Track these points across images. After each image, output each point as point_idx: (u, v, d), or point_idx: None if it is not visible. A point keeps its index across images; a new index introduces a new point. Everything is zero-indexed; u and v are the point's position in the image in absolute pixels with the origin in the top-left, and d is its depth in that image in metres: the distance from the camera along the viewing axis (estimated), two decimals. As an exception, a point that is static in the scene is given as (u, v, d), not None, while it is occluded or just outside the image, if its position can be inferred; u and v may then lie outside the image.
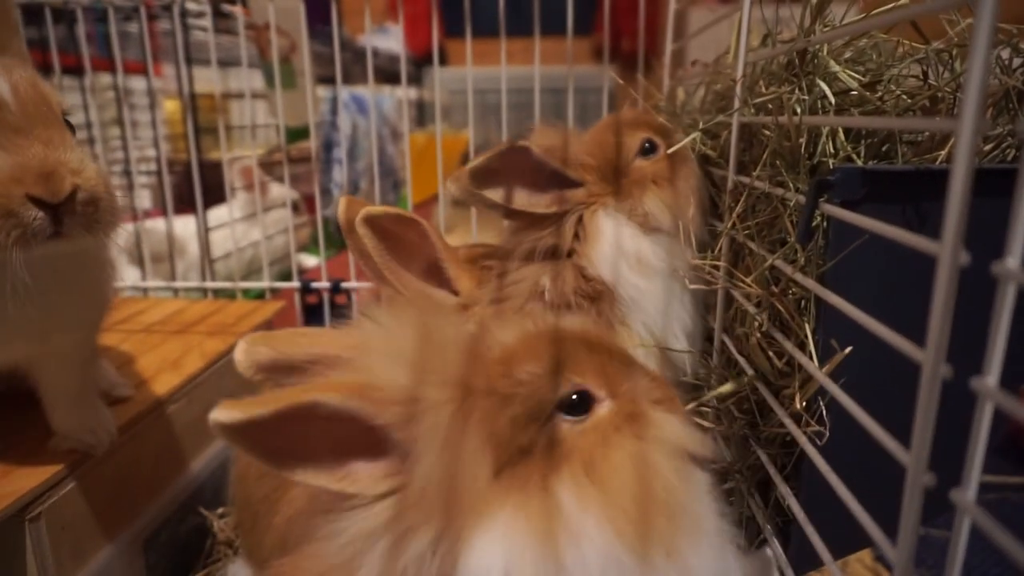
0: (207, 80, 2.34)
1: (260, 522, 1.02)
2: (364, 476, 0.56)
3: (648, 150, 1.14)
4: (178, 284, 1.92)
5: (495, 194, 1.03)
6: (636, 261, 1.06)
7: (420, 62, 5.20)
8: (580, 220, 1.09)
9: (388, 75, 3.59)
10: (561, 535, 0.54)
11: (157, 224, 2.26)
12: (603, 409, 0.62)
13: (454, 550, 0.53)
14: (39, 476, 0.94)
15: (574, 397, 0.61)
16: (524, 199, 1.05)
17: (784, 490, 0.77)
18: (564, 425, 0.60)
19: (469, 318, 1.07)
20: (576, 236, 1.09)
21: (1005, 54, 0.82)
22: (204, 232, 2.01)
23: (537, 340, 0.63)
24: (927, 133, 0.82)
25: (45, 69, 1.90)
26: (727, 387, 0.93)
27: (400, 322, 0.61)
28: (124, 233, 0.84)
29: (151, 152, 2.64)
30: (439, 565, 0.53)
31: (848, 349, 0.69)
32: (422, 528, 0.54)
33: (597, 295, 1.06)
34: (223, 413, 0.50)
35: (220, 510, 1.33)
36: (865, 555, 1.34)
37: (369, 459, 0.56)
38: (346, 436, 0.54)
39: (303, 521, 0.81)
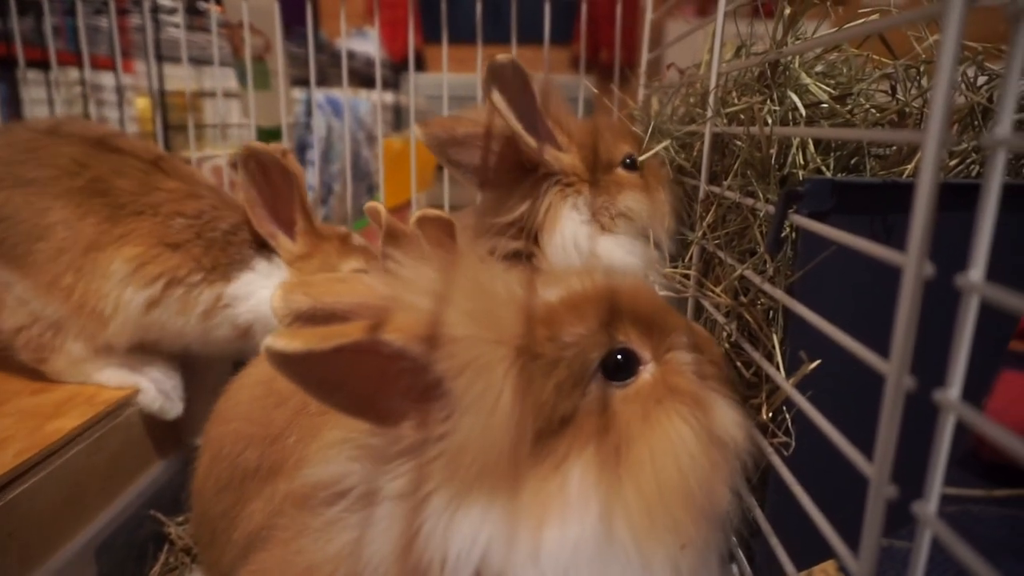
0: (179, 78, 2.30)
1: (219, 538, 0.99)
2: (413, 417, 0.54)
3: (630, 165, 1.14)
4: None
5: (501, 102, 0.97)
6: (594, 259, 1.06)
7: (397, 67, 5.18)
8: (549, 199, 1.07)
9: (364, 79, 3.57)
10: (553, 520, 0.51)
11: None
12: (647, 373, 0.59)
13: (456, 516, 0.51)
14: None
15: (618, 357, 0.58)
16: (519, 128, 1.01)
17: (749, 501, 0.77)
18: (606, 391, 0.57)
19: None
20: (545, 216, 1.07)
21: (971, 71, 0.84)
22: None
23: (582, 299, 0.59)
24: (895, 147, 0.83)
25: (9, 62, 1.86)
26: None
27: (452, 270, 0.58)
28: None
29: (119, 149, 2.58)
30: (443, 529, 0.51)
31: (816, 362, 0.69)
32: (443, 488, 0.52)
33: None
34: (281, 341, 0.47)
35: (179, 517, 1.29)
36: (829, 565, 1.35)
37: (422, 401, 0.53)
38: (396, 376, 0.52)
39: (265, 539, 0.78)
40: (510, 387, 0.52)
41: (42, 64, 2.01)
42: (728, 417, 0.60)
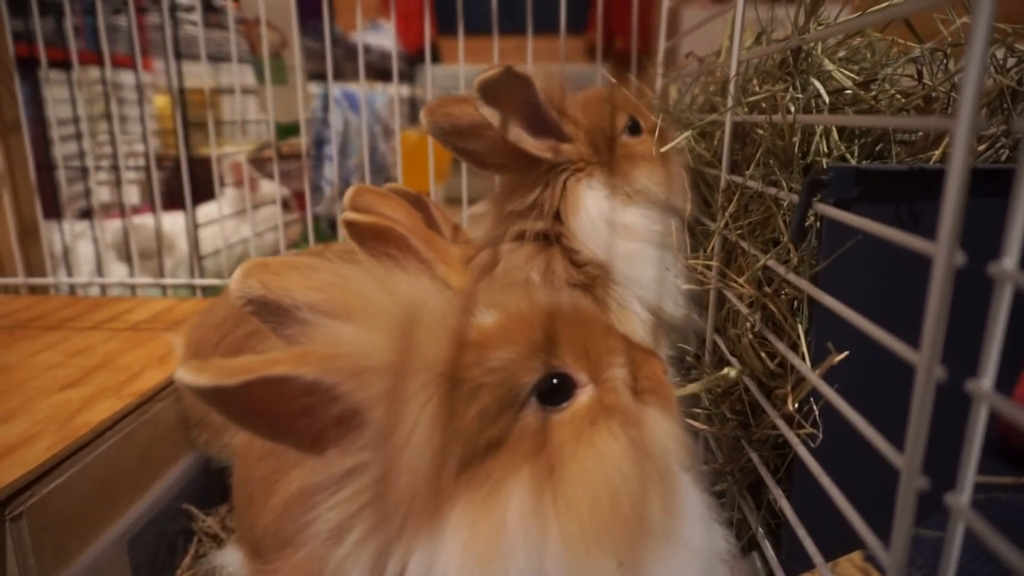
0: (197, 75, 2.32)
1: (255, 502, 1.01)
2: (335, 445, 0.53)
3: (633, 129, 1.13)
4: (167, 281, 1.90)
5: (495, 117, 0.97)
6: (623, 229, 1.05)
7: (412, 59, 5.18)
8: (565, 186, 1.07)
9: (380, 72, 3.57)
10: (498, 545, 0.51)
11: (145, 220, 2.24)
12: (584, 396, 0.58)
13: (405, 552, 0.51)
14: (17, 470, 0.92)
15: (554, 382, 0.57)
16: (519, 135, 1.01)
17: (776, 492, 0.77)
18: (540, 415, 0.56)
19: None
20: (557, 215, 1.07)
21: (1000, 53, 0.82)
22: (193, 229, 1.99)
23: (515, 321, 0.58)
24: (921, 133, 0.82)
25: (32, 62, 1.88)
26: (726, 372, 0.91)
27: (394, 288, 0.57)
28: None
29: (140, 147, 2.61)
30: (395, 564, 0.51)
31: (844, 354, 0.68)
32: (378, 526, 0.51)
33: (591, 282, 1.05)
34: (190, 375, 0.47)
35: (208, 509, 1.31)
36: (855, 556, 1.34)
37: (342, 430, 0.52)
38: (314, 406, 0.51)
39: (302, 505, 0.79)
40: (426, 416, 0.51)
41: (63, 64, 2.03)
42: (660, 429, 0.59)
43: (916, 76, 0.84)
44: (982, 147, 0.82)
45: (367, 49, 1.76)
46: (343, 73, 3.35)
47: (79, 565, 1.00)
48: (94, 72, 2.31)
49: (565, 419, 0.57)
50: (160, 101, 2.95)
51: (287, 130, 1.89)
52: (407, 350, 0.52)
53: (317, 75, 2.59)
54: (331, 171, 2.79)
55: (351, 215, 0.99)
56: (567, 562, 0.51)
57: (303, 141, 1.82)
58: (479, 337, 0.56)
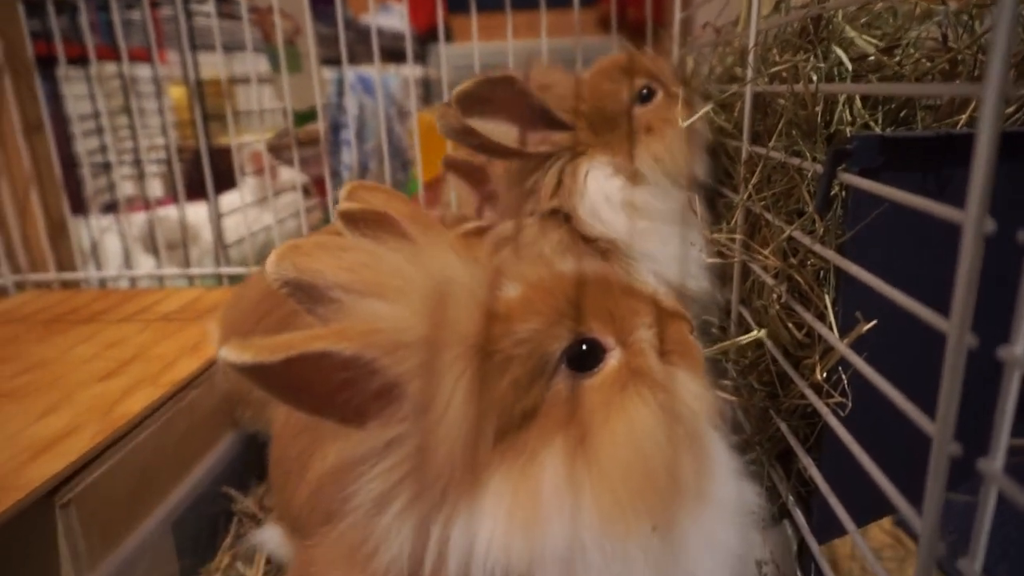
0: (212, 65, 2.33)
1: (291, 479, 1.04)
2: (375, 418, 0.54)
3: (646, 97, 1.12)
4: (194, 271, 1.93)
5: (482, 124, 0.99)
6: (630, 209, 1.06)
7: (424, 39, 5.14)
8: (564, 171, 1.07)
9: (393, 54, 3.56)
10: (536, 514, 0.52)
11: (169, 212, 2.27)
12: (613, 360, 0.59)
13: (447, 522, 0.52)
14: (64, 460, 0.96)
15: (583, 347, 0.57)
16: (511, 135, 1.02)
17: (806, 461, 0.78)
18: (572, 382, 0.57)
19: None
20: (559, 188, 1.08)
21: (1027, 13, 0.80)
22: (217, 218, 2.02)
23: (537, 291, 0.58)
24: (947, 97, 0.80)
25: (49, 60, 1.90)
26: (754, 333, 0.91)
27: (423, 265, 0.58)
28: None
29: (159, 140, 2.64)
30: (438, 534, 0.52)
31: (872, 323, 0.68)
32: (428, 492, 0.52)
33: (604, 256, 1.06)
34: (233, 352, 0.49)
35: (246, 491, 1.35)
36: (885, 522, 1.35)
37: (381, 403, 0.54)
38: (354, 380, 0.53)
39: (338, 479, 0.81)
40: (461, 388, 0.52)
41: (80, 60, 2.05)
42: (688, 391, 0.60)
43: (941, 39, 0.82)
44: (1010, 110, 0.81)
45: (379, 31, 1.76)
46: (356, 57, 3.34)
47: (126, 548, 1.04)
48: (111, 67, 2.33)
49: (596, 384, 0.57)
50: (176, 93, 2.96)
51: (303, 117, 1.90)
52: (440, 324, 0.53)
53: (331, 60, 2.59)
54: (349, 156, 2.80)
55: (345, 204, 1.00)
56: (602, 529, 0.52)
57: (320, 127, 1.83)
58: (505, 310, 0.57)
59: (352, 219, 0.97)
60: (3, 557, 0.87)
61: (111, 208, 2.29)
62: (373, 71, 1.82)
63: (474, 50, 1.76)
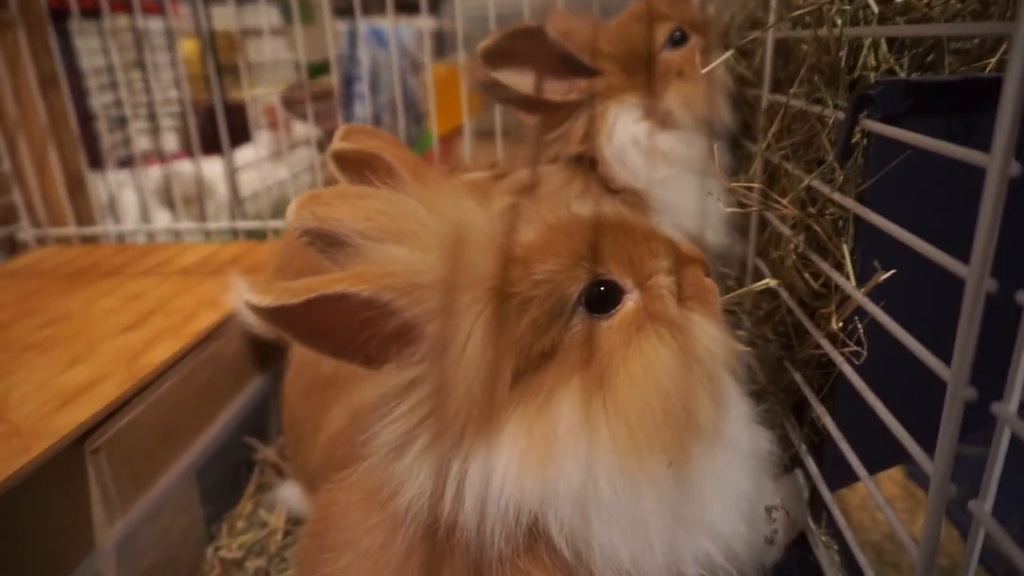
0: (223, 17, 2.30)
1: (305, 441, 1.07)
2: (394, 359, 0.56)
3: (678, 40, 1.10)
4: (211, 226, 1.94)
5: (509, 77, 1.00)
6: (656, 155, 1.05)
7: (436, -10, 5.03)
8: (594, 115, 1.07)
9: (406, 5, 3.49)
10: (551, 453, 0.53)
11: (184, 167, 2.27)
12: (631, 302, 0.59)
13: (465, 460, 0.54)
14: (91, 408, 0.99)
15: (601, 289, 0.58)
16: (539, 86, 1.02)
17: (820, 410, 0.78)
18: (589, 323, 0.57)
19: None
20: (587, 135, 1.07)
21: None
22: (231, 174, 2.02)
23: (556, 233, 0.59)
24: (976, 40, 0.78)
25: (62, 13, 1.89)
26: (767, 281, 0.91)
27: (440, 210, 0.59)
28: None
29: (173, 93, 2.63)
30: (456, 472, 0.54)
31: (891, 272, 0.68)
32: (447, 432, 0.54)
33: (628, 207, 1.05)
34: (256, 296, 0.51)
35: (268, 441, 1.39)
36: (896, 473, 1.36)
37: (400, 344, 0.55)
38: (373, 321, 0.54)
39: (346, 440, 0.82)
40: (479, 329, 0.53)
41: (92, 13, 2.04)
42: (705, 334, 0.60)
43: (972, -21, 0.79)
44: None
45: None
46: (369, 8, 3.28)
47: (153, 493, 1.08)
48: (123, 20, 2.31)
49: (613, 325, 0.58)
50: (188, 46, 2.94)
51: (316, 69, 1.88)
52: (457, 267, 0.54)
53: (343, 11, 2.54)
54: (362, 109, 2.78)
55: (338, 144, 0.99)
56: (617, 464, 0.53)
57: (334, 79, 1.82)
58: (523, 252, 0.57)
59: (343, 160, 0.97)
60: (38, 501, 0.90)
61: (127, 163, 2.30)
62: (386, 23, 1.79)
63: (489, 0, 1.72)
